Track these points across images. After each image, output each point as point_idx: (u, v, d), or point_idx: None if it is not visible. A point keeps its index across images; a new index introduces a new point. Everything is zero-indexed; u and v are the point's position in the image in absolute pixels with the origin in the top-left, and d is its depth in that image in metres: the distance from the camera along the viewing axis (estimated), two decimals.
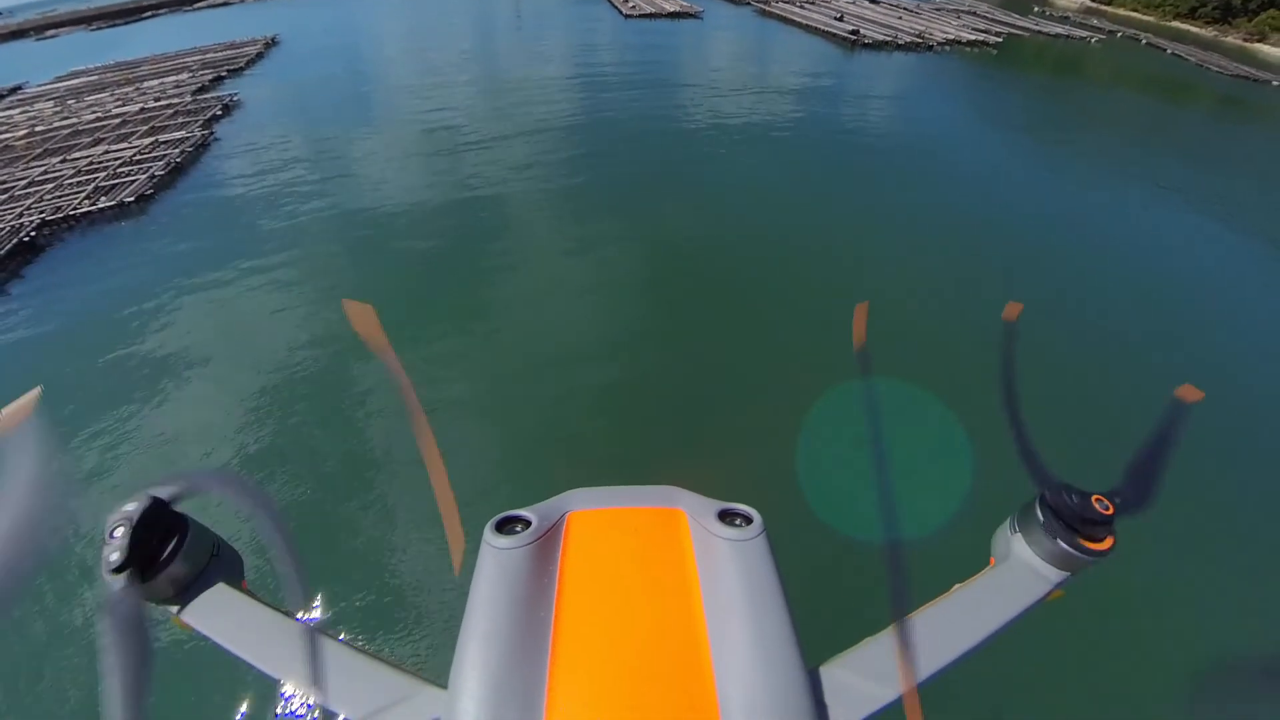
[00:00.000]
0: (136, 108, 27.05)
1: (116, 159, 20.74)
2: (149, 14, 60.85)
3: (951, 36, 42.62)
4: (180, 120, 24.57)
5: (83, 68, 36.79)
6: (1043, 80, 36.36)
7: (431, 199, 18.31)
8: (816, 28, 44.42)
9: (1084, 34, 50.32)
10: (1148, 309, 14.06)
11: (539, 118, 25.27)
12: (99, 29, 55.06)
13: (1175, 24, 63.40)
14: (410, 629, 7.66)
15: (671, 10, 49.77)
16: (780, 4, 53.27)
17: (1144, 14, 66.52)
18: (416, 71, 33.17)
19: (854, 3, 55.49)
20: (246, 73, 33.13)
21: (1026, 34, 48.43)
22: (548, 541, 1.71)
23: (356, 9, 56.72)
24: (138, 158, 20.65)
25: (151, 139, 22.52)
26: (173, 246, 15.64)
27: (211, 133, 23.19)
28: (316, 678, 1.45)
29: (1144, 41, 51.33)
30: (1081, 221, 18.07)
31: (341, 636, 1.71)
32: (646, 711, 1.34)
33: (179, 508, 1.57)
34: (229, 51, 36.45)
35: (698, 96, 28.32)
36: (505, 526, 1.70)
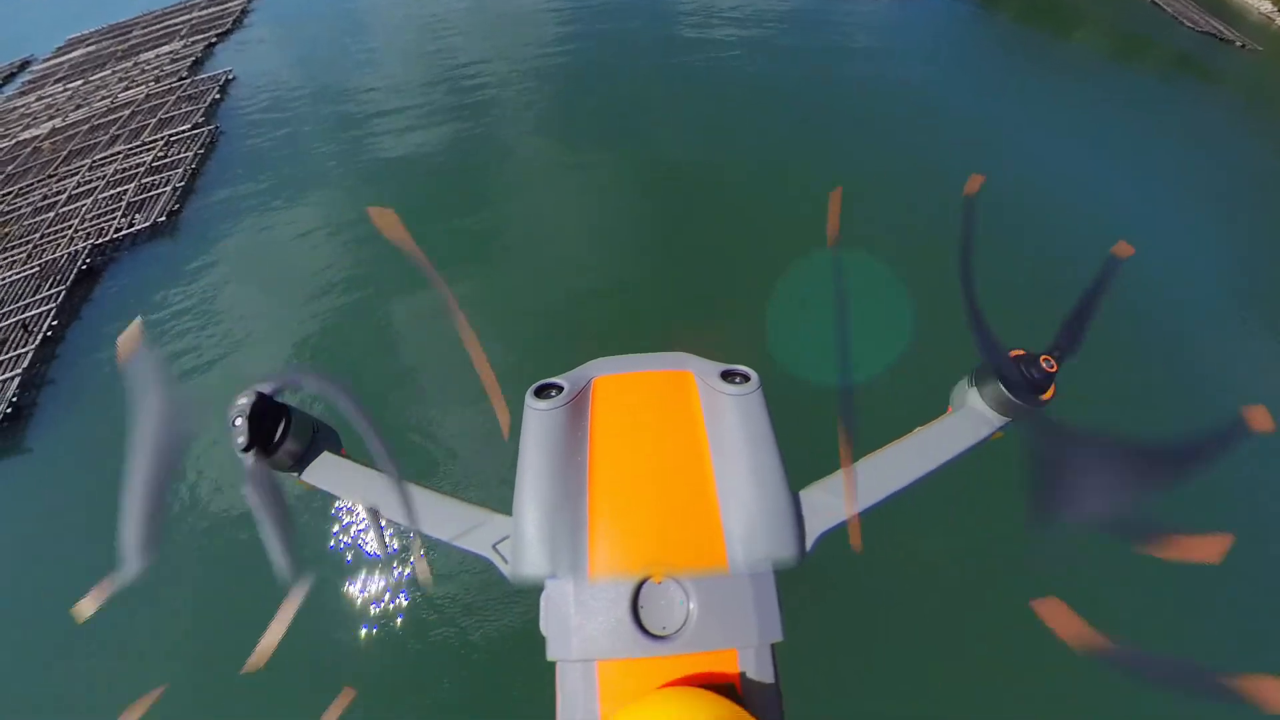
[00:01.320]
0: (142, 93, 28.19)
1: (139, 165, 22.57)
2: None
3: None
4: (184, 109, 25.84)
5: (79, 35, 37.14)
6: (1009, 22, 34.60)
7: (462, 133, 21.22)
8: None
9: None
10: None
11: (547, 41, 27.51)
12: None
13: None
14: (472, 483, 11.07)
15: None
16: None
17: None
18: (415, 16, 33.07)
19: None
20: (234, 36, 33.26)
21: None
22: (579, 402, 1.96)
23: None
24: (156, 164, 22.43)
25: (164, 135, 24.07)
26: (209, 263, 17.98)
27: (216, 125, 24.53)
28: (411, 513, 1.83)
29: None
30: (1024, 149, 20.86)
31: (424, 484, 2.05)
32: (664, 533, 1.67)
33: (279, 400, 1.91)
34: (213, 8, 36.09)
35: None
36: (542, 392, 1.95)
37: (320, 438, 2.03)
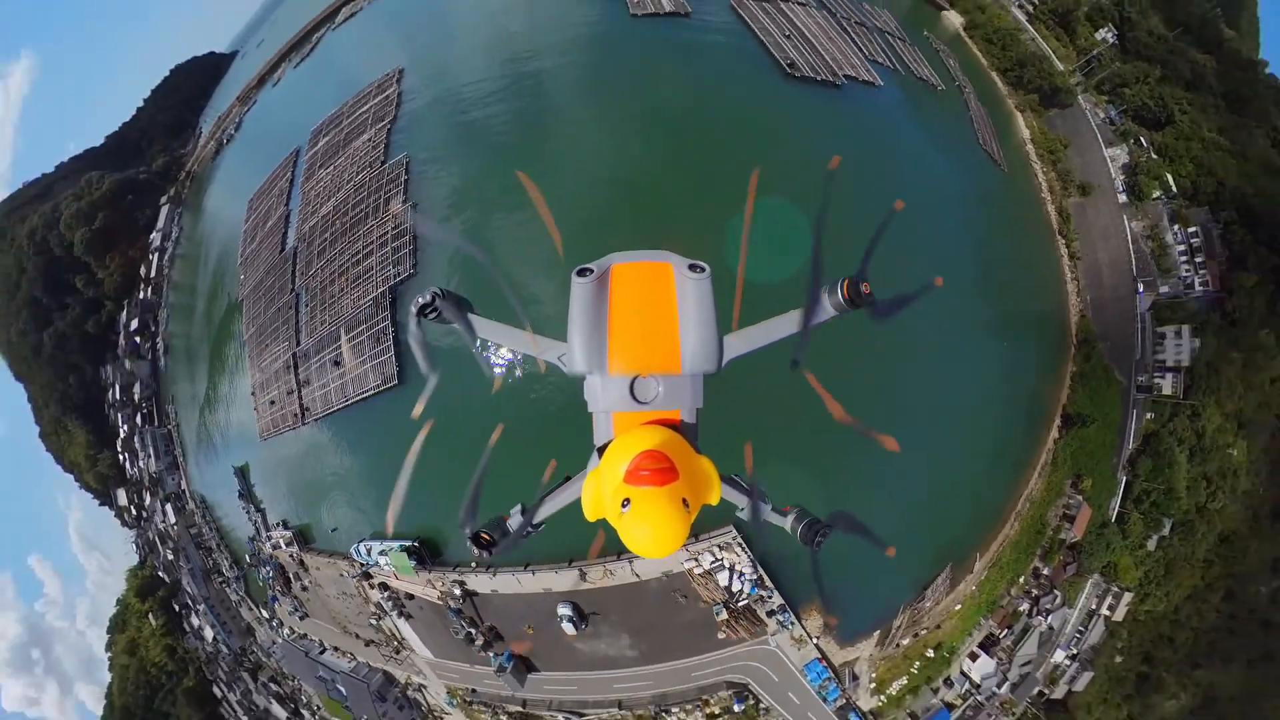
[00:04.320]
0: (364, 177, 53.06)
1: (385, 233, 48.10)
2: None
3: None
4: (387, 190, 50.33)
5: (317, 126, 62.78)
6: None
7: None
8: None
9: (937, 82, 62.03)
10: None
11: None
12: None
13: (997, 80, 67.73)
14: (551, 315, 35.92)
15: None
16: None
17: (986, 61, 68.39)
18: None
19: None
20: (399, 121, 55.86)
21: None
22: (602, 279, 3.64)
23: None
24: (396, 229, 47.73)
25: (385, 216, 49.14)
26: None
27: (410, 202, 48.79)
28: (515, 341, 4.31)
29: (967, 96, 62.54)
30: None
31: (527, 327, 4.26)
32: (648, 352, 3.52)
33: (451, 291, 4.21)
34: (377, 99, 58.85)
35: None
36: (581, 273, 3.63)
37: (464, 305, 4.28)
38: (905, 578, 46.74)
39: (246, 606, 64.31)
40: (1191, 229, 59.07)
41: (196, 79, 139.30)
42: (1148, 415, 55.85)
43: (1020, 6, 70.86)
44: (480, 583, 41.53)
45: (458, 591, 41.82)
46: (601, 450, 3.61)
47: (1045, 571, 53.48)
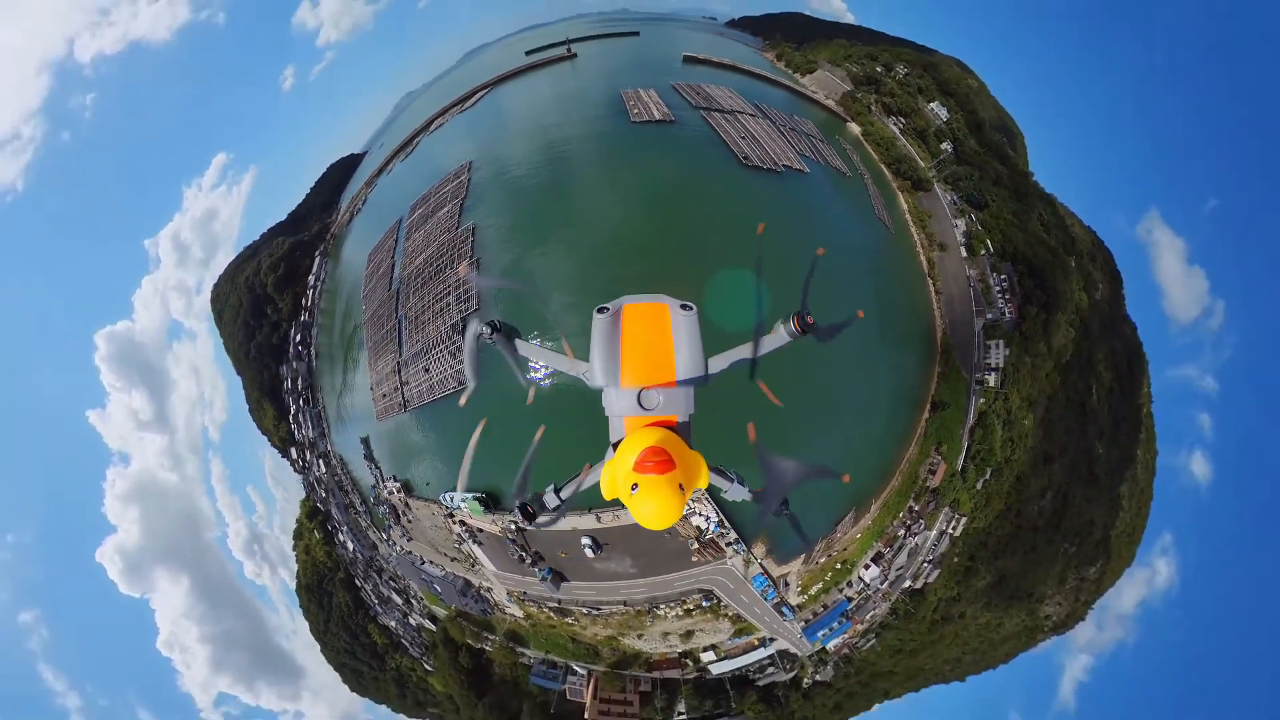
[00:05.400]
0: (445, 239, 50.35)
1: (458, 285, 45.39)
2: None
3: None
4: (459, 248, 47.61)
5: (415, 200, 59.85)
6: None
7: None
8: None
9: (846, 170, 60.57)
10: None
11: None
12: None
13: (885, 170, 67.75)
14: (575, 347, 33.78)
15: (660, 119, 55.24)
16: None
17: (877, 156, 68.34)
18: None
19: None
20: (469, 198, 53.00)
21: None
22: (616, 314, 4.50)
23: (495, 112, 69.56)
24: (461, 284, 45.06)
25: (456, 272, 46.35)
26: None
27: (478, 258, 45.99)
28: (551, 359, 5.21)
29: (865, 181, 61.91)
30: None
31: (560, 345, 5.04)
32: (650, 369, 4.45)
33: (502, 323, 5.23)
34: (454, 183, 55.88)
35: None
36: (600, 310, 4.52)
37: (512, 333, 4.95)
38: (824, 518, 47.14)
39: (373, 531, 62.84)
40: (1003, 275, 63.42)
41: (342, 171, 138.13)
42: (979, 400, 58.47)
43: (895, 124, 74.24)
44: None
45: (513, 528, 40.68)
46: (615, 445, 3.51)
47: (916, 508, 55.17)
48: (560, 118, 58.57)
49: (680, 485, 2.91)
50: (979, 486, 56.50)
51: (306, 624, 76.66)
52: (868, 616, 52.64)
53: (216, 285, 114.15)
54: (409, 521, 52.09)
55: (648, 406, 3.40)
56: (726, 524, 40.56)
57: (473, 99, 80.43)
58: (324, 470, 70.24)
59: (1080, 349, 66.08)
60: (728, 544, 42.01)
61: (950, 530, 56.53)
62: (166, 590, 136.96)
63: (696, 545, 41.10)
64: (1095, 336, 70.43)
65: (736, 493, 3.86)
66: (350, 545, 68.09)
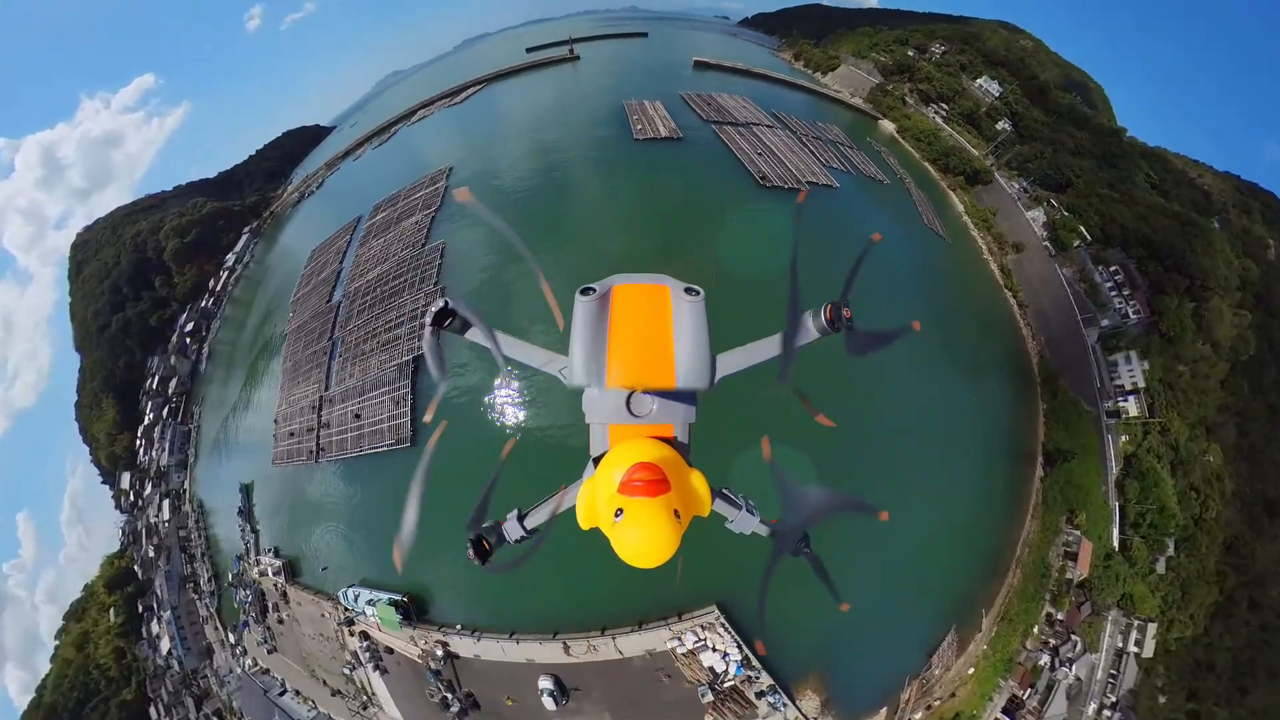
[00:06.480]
0: (407, 255, 41.67)
1: (416, 309, 36.79)
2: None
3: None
4: (420, 271, 39.16)
5: (379, 202, 50.58)
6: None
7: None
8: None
9: (883, 178, 53.21)
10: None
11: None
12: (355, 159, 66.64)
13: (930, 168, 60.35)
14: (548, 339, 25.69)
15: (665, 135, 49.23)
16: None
17: (918, 154, 61.50)
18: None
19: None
20: (443, 210, 44.96)
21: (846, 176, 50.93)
22: (604, 297, 2.62)
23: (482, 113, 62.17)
24: (420, 313, 36.62)
25: (422, 291, 37.84)
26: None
27: (443, 285, 37.82)
28: (518, 352, 2.78)
29: (907, 185, 54.14)
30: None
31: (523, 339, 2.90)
32: (644, 368, 2.36)
33: (452, 304, 2.88)
34: (427, 190, 47.69)
35: None
36: (584, 292, 2.64)
37: (472, 316, 2.97)
38: (908, 644, 31.35)
39: (213, 626, 45.44)
40: (1112, 267, 49.26)
41: (299, 141, 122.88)
42: (1123, 439, 41.95)
43: (935, 113, 64.95)
44: (464, 645, 28.80)
45: (439, 652, 28.75)
46: (597, 461, 2.51)
47: (1059, 617, 35.88)
48: (556, 130, 52.14)
49: (676, 511, 2.14)
50: (1161, 569, 38.89)
51: None
52: None
53: (90, 229, 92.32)
54: (279, 621, 37.28)
55: (638, 413, 2.45)
56: (755, 661, 26.36)
57: (464, 93, 73.22)
58: (167, 516, 50.45)
59: (1267, 333, 47.90)
60: (759, 694, 27.13)
61: (1135, 648, 37.59)
62: None
63: (710, 697, 26.67)
64: None
65: (746, 523, 2.77)
66: (166, 644, 45.96)
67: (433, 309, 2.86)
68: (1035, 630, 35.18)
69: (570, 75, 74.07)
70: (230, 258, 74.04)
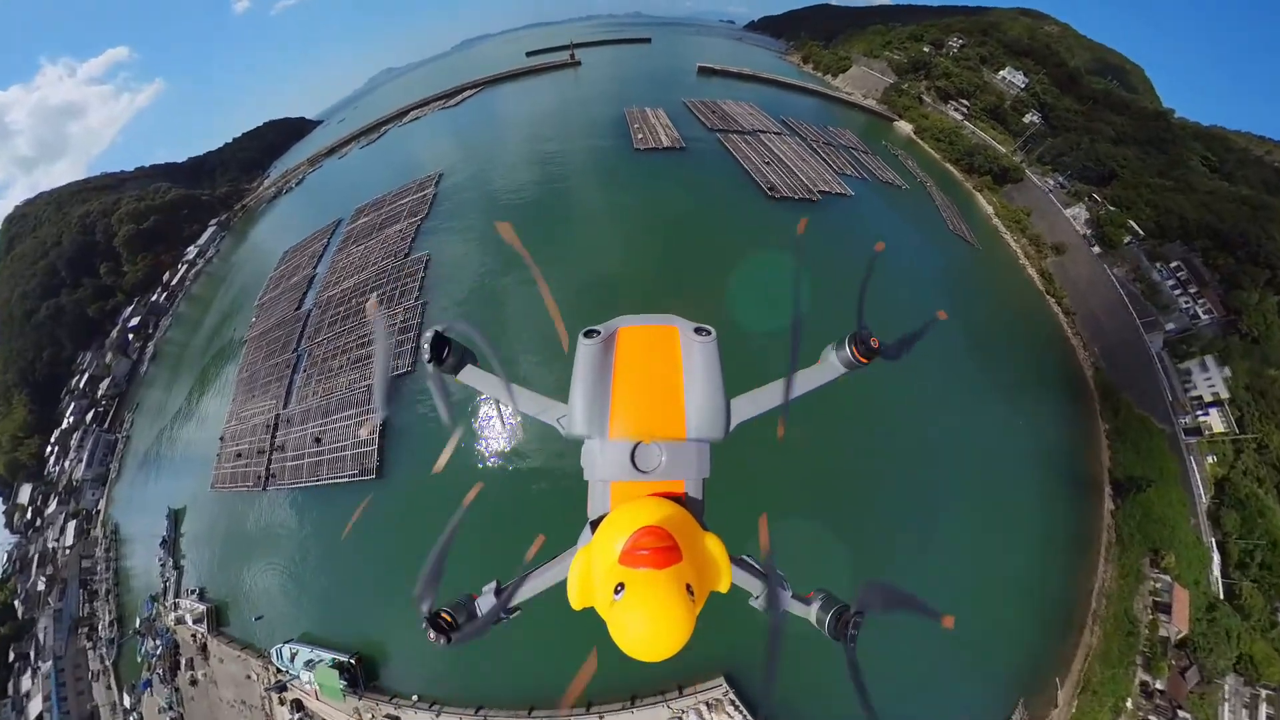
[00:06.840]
0: (389, 264, 38.57)
1: (407, 318, 33.56)
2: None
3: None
4: (401, 283, 36.13)
5: (360, 206, 47.46)
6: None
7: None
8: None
9: (901, 183, 50.61)
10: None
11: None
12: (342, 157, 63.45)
13: (952, 169, 56.62)
14: (547, 385, 22.32)
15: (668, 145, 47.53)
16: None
17: (939, 155, 58.00)
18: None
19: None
20: (429, 219, 42.19)
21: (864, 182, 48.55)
22: (609, 340, 2.33)
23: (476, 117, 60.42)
24: (397, 330, 33.33)
25: (403, 305, 34.75)
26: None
27: (425, 301, 34.80)
28: (515, 400, 2.38)
29: (929, 189, 51.17)
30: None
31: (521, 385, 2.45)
32: (651, 417, 2.06)
33: (447, 335, 2.45)
34: (415, 196, 44.95)
35: None
36: (588, 334, 2.36)
37: (466, 355, 2.54)
38: None
39: (105, 684, 36.16)
40: (1174, 263, 43.29)
41: (282, 133, 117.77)
42: (1209, 460, 34.21)
43: (955, 110, 60.42)
44: None
45: None
46: (595, 524, 2.10)
47: (1158, 686, 27.40)
48: (554, 138, 50.20)
49: (689, 586, 1.81)
50: None
51: None
52: None
53: (31, 202, 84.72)
54: (192, 682, 30.32)
55: (644, 467, 2.11)
56: None
57: (460, 96, 71.31)
58: (69, 541, 41.75)
59: None
60: None
61: None
62: None
63: None
64: None
65: (782, 603, 2.19)
66: (37, 706, 36.19)
67: (427, 338, 2.36)
68: (1129, 704, 26.71)
69: (570, 81, 72.77)
70: (192, 250, 68.65)
